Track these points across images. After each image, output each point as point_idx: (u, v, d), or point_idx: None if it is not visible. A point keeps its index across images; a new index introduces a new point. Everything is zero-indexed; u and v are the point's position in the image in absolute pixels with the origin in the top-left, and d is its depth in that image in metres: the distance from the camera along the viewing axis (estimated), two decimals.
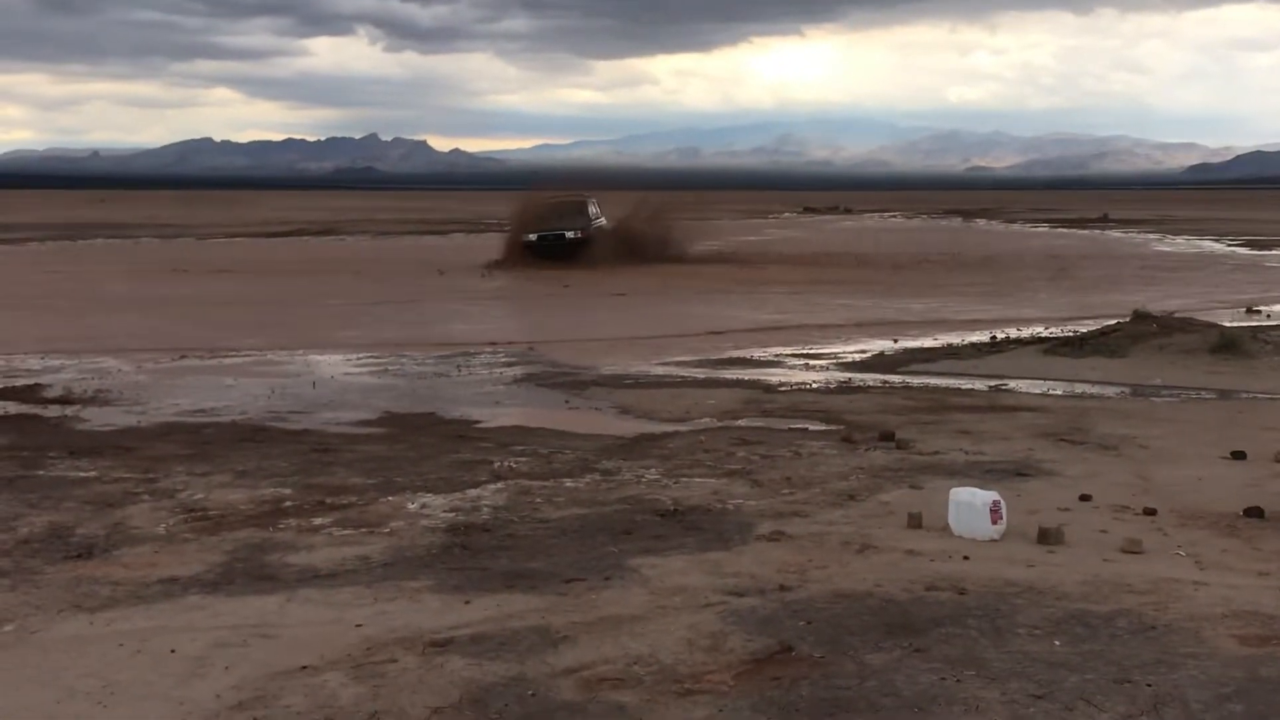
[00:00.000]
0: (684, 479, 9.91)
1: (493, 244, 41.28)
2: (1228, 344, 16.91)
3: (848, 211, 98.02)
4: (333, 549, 7.96)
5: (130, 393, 14.73)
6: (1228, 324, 19.25)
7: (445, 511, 8.91)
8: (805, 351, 18.93)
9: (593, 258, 34.85)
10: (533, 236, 35.96)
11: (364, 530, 8.43)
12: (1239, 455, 10.70)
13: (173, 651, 6.09)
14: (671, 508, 8.91)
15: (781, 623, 6.37)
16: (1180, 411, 13.43)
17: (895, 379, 15.86)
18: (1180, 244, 52.96)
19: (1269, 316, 22.92)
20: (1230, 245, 51.15)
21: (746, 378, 15.97)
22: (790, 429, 12.28)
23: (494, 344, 19.30)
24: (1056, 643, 6.08)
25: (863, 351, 18.79)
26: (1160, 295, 27.16)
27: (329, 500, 9.25)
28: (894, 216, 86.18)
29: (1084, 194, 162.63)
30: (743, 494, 9.38)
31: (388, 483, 9.82)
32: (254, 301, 26.55)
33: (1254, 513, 8.69)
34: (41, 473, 10.23)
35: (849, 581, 7.08)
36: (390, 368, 16.85)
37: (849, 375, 16.25)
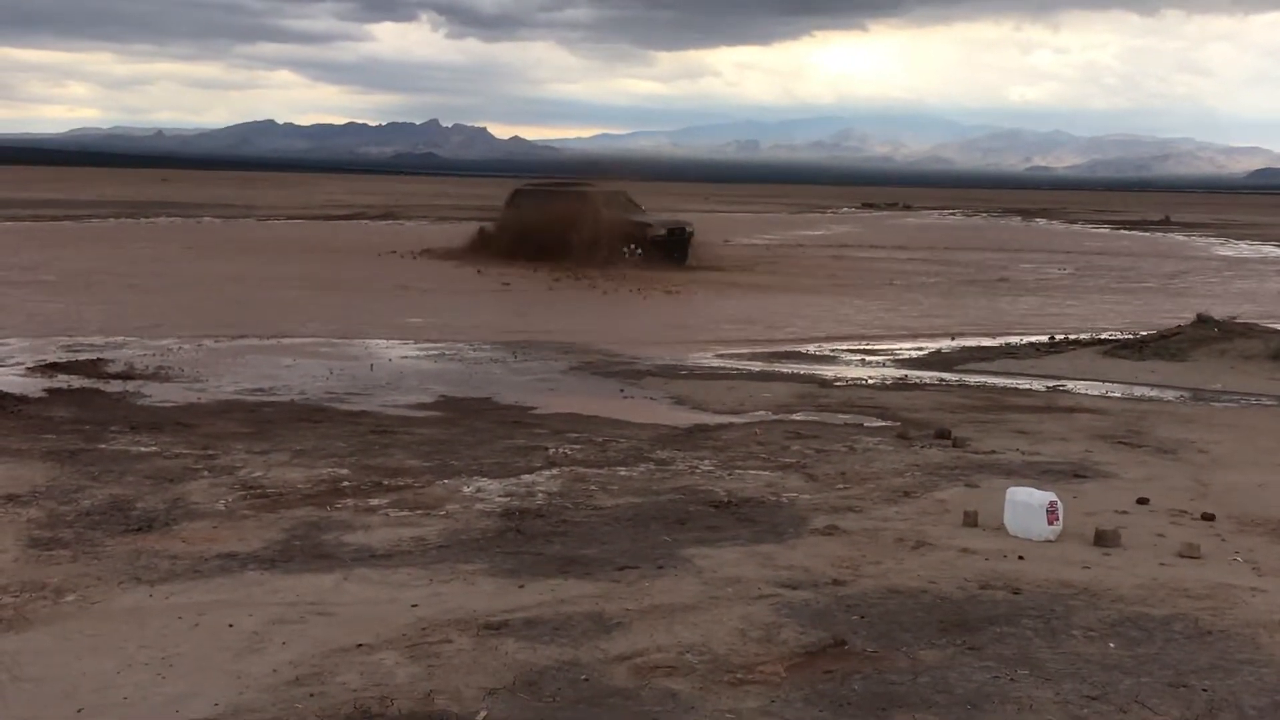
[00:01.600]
0: (738, 471, 9.92)
1: None
2: None
3: (907, 208, 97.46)
4: (389, 530, 8.03)
5: (191, 370, 14.89)
6: None
7: (500, 496, 8.97)
8: (862, 347, 18.88)
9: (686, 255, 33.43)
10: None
11: (420, 512, 8.50)
12: None
13: (230, 626, 6.17)
14: (725, 499, 8.93)
15: (834, 617, 6.37)
16: (1240, 417, 13.30)
17: (951, 377, 15.79)
18: (1243, 249, 52.30)
19: None
20: None
21: (802, 372, 15.96)
22: (845, 424, 12.26)
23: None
24: (1111, 645, 6.05)
25: (920, 349, 18.71)
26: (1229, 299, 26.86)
27: (386, 481, 9.32)
28: (953, 214, 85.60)
29: (1145, 196, 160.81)
30: (797, 487, 9.38)
31: (444, 466, 9.89)
32: (313, 284, 26.72)
33: None
34: (103, 446, 10.37)
35: (903, 578, 7.07)
36: (447, 353, 16.94)
37: (905, 372, 16.19)
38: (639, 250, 32.17)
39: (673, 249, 33.10)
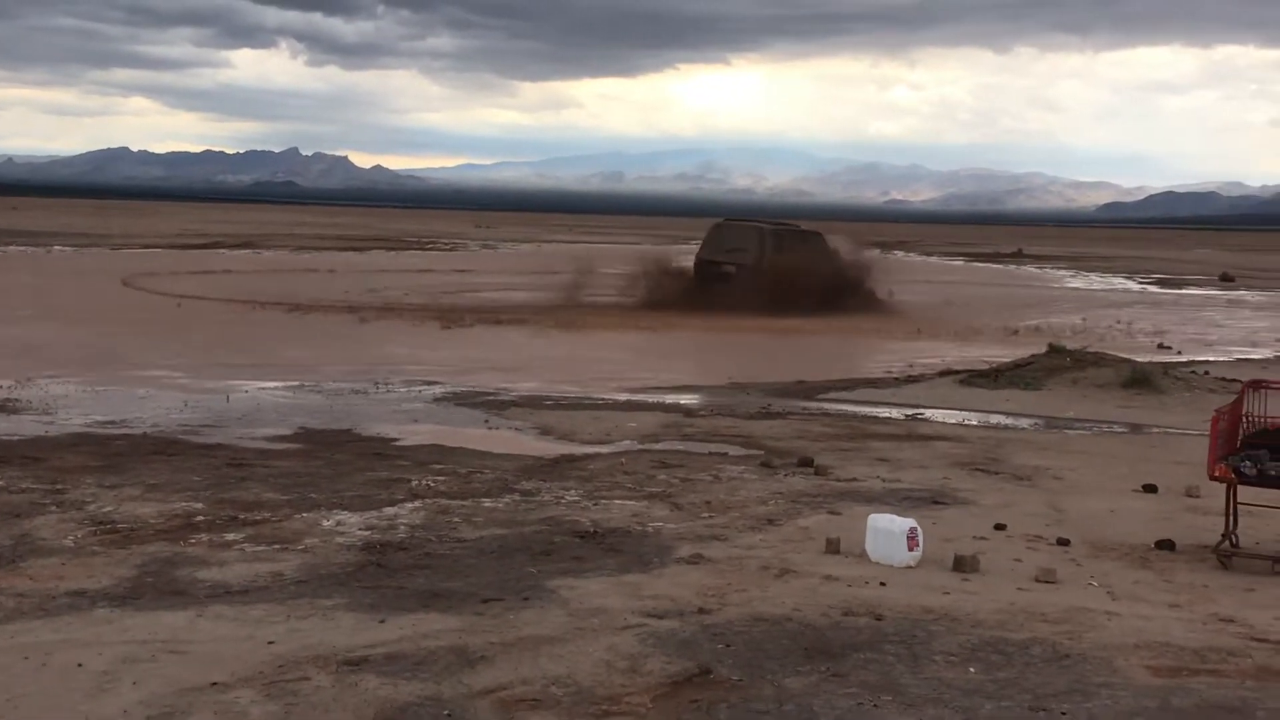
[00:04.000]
0: (604, 501, 9.88)
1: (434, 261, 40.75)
2: (1139, 379, 17.19)
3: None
4: (245, 565, 7.83)
5: (39, 402, 14.43)
6: (1140, 360, 19.54)
7: (361, 529, 8.81)
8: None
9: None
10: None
11: (277, 546, 8.31)
12: (1150, 488, 10.86)
13: (80, 666, 5.94)
14: (591, 529, 8.88)
15: (700, 645, 6.35)
16: (1093, 444, 13.62)
17: (814, 406, 15.95)
18: (1094, 280, 53.82)
19: (1180, 352, 23.33)
20: (1141, 283, 52.03)
21: (667, 401, 15.99)
22: (710, 453, 12.30)
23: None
24: (972, 670, 6.11)
25: (784, 378, 18.86)
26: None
27: (242, 516, 9.11)
28: None
29: (1000, 229, 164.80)
30: (663, 517, 9.37)
31: (302, 499, 9.70)
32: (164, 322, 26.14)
33: (1165, 545, 8.82)
34: None
35: (767, 605, 7.08)
36: (306, 384, 16.65)
37: (769, 400, 16.31)
38: None
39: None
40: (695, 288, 31.10)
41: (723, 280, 30.70)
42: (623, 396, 16.27)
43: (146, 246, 54.75)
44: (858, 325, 28.11)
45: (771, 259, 30.51)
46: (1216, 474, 8.52)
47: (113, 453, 11.51)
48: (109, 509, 9.20)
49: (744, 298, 29.16)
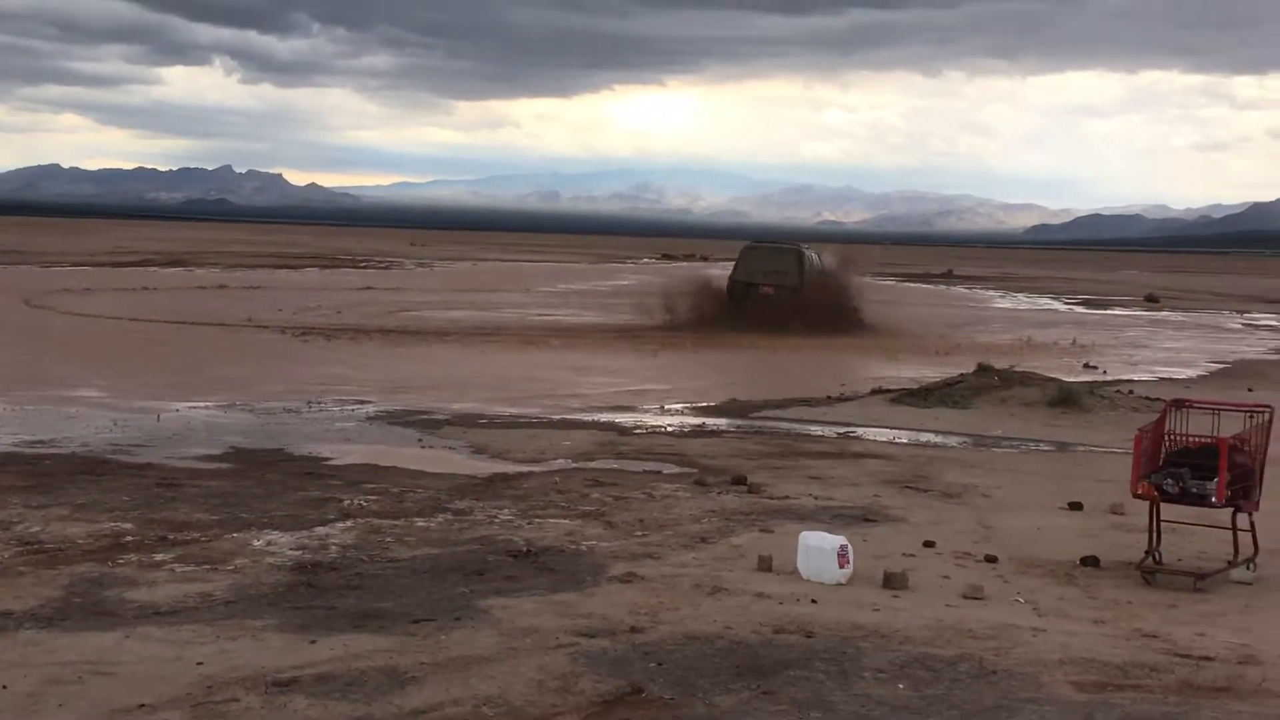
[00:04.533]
0: (537, 520, 9.89)
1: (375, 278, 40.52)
2: (1066, 398, 17.42)
3: (705, 259, 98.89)
4: (174, 585, 7.77)
5: None
6: (1066, 379, 19.79)
7: (292, 549, 8.76)
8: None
9: None
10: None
11: (207, 567, 8.25)
12: (1076, 506, 11.02)
13: (4, 688, 5.87)
14: (524, 548, 8.88)
15: (632, 664, 6.38)
16: (1020, 462, 13.79)
17: (748, 424, 16.03)
18: (1020, 300, 54.43)
19: (1105, 372, 23.65)
20: (1068, 304, 52.67)
21: (602, 420, 16.01)
22: (644, 471, 12.34)
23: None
24: (901, 686, 6.18)
25: (718, 396, 18.92)
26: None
27: (171, 536, 9.03)
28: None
29: (930, 250, 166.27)
30: (596, 535, 9.39)
31: (232, 519, 9.63)
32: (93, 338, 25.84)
33: (1090, 562, 8.96)
34: None
35: (700, 624, 7.12)
36: (238, 403, 16.52)
37: (703, 419, 16.37)
38: None
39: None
40: (730, 309, 31.61)
41: (760, 300, 31.36)
42: (558, 415, 16.26)
43: (77, 264, 54.07)
44: (878, 344, 28.43)
45: (810, 279, 31.77)
46: (1140, 491, 8.68)
47: (40, 472, 11.37)
48: (36, 529, 9.09)
49: (783, 317, 29.94)
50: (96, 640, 6.65)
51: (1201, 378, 23.70)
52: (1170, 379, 23.28)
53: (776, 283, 31.57)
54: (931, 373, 21.48)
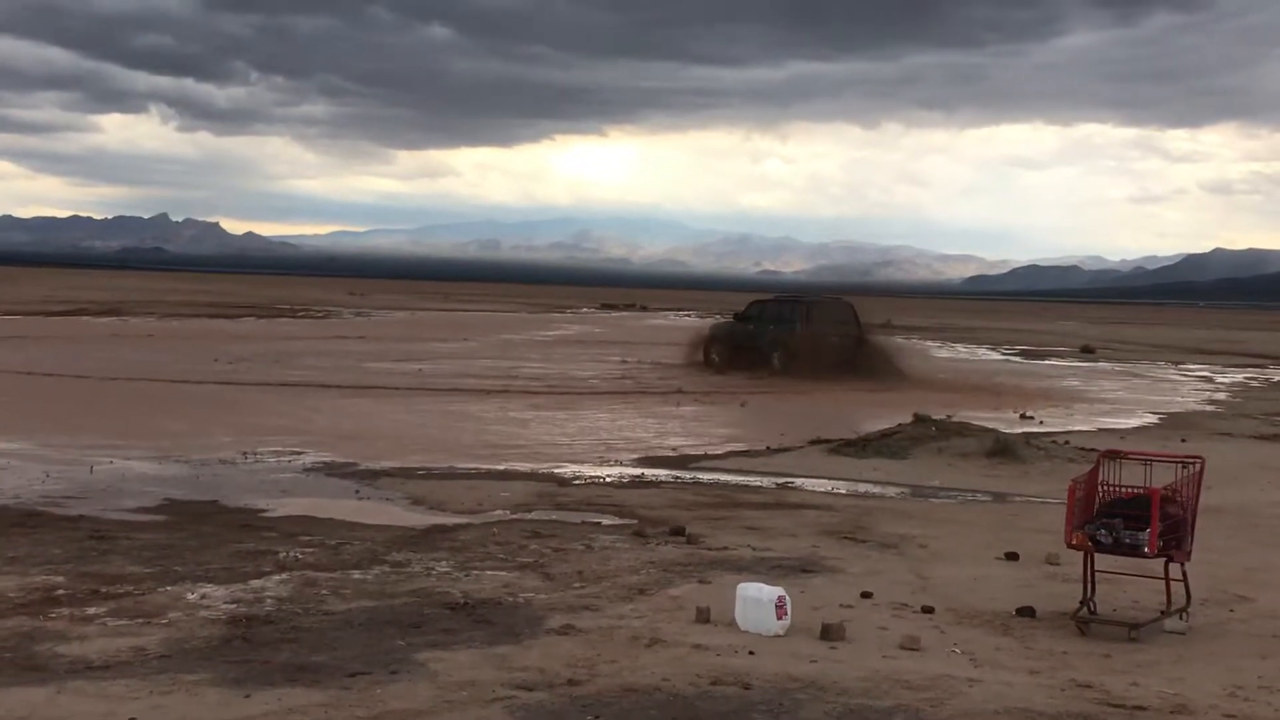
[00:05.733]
0: (475, 571, 9.85)
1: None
2: (1002, 449, 17.58)
3: (644, 309, 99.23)
4: (107, 640, 7.67)
5: None
6: (1003, 429, 19.97)
7: (226, 602, 8.68)
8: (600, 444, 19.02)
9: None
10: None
11: (140, 620, 8.15)
12: (1012, 556, 11.11)
13: None
14: (462, 601, 8.84)
15: (570, 717, 6.37)
16: (958, 513, 13.89)
17: (686, 475, 16.05)
18: (959, 351, 54.92)
19: (1042, 423, 23.88)
20: (1005, 354, 53.18)
21: (541, 470, 15.97)
22: (583, 522, 12.33)
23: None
24: None
25: (656, 447, 18.94)
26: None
27: (104, 589, 8.92)
28: (689, 314, 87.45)
29: (868, 300, 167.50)
30: (534, 587, 9.36)
31: (166, 572, 9.53)
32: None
33: (1026, 612, 9.03)
34: None
35: (637, 676, 7.12)
36: (172, 455, 16.34)
37: (641, 470, 16.38)
38: None
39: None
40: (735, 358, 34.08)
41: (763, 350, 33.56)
42: (499, 466, 16.21)
43: (7, 314, 53.41)
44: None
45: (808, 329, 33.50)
46: (1074, 542, 8.77)
47: None
48: None
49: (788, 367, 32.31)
50: (27, 695, 6.56)
51: (1137, 429, 23.97)
52: (1106, 429, 23.53)
53: (841, 334, 33.69)
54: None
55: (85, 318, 53.25)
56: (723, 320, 41.86)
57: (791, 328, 33.63)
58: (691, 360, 35.87)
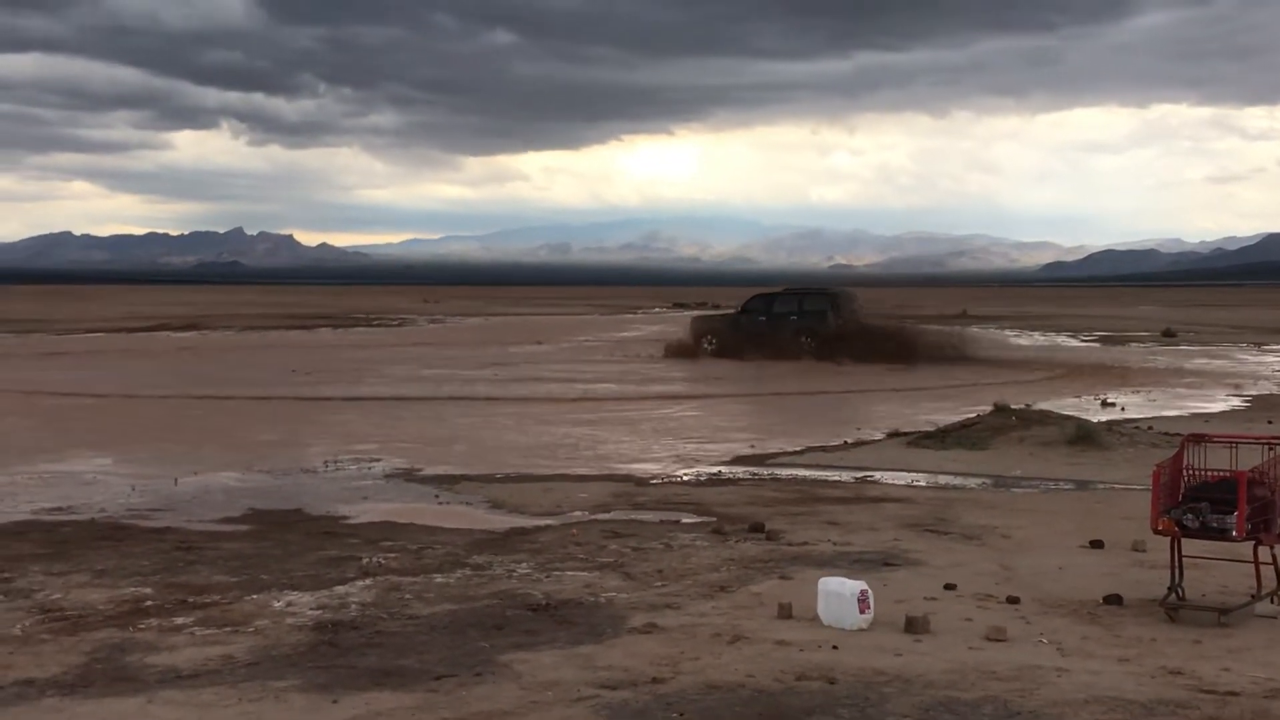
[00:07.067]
0: (556, 572, 9.89)
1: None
2: (1084, 436, 17.38)
3: (716, 308, 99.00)
4: (195, 649, 7.78)
5: None
6: (1084, 417, 19.75)
7: (312, 609, 8.77)
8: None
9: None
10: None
11: (228, 629, 8.26)
12: (1097, 544, 10.98)
13: None
14: (543, 602, 8.88)
15: (654, 715, 6.36)
16: (1040, 502, 13.75)
17: (764, 471, 16.01)
18: (1037, 339, 54.32)
19: (1124, 409, 23.60)
20: (1084, 340, 52.53)
21: (618, 470, 16.00)
22: (661, 521, 12.33)
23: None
24: None
25: (730, 442, 18.90)
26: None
27: (191, 599, 9.04)
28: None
29: (943, 291, 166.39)
30: (615, 587, 9.38)
31: (252, 580, 9.64)
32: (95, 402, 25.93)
33: (1113, 600, 8.92)
34: None
35: (721, 673, 7.10)
36: (255, 465, 16.54)
37: (718, 468, 16.36)
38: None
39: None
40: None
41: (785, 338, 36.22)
42: (576, 470, 16.25)
43: (90, 330, 54.38)
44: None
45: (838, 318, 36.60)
46: (1159, 528, 8.64)
47: (60, 539, 11.40)
48: (57, 596, 9.12)
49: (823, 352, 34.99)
50: (119, 706, 6.66)
51: (1222, 412, 23.60)
52: (1190, 414, 23.20)
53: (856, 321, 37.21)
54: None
55: (166, 332, 54.07)
56: (709, 314, 44.88)
57: (822, 318, 36.47)
58: (679, 354, 37.92)
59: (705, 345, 37.88)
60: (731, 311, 40.11)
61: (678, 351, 38.18)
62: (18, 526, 12.12)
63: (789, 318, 36.94)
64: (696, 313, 44.65)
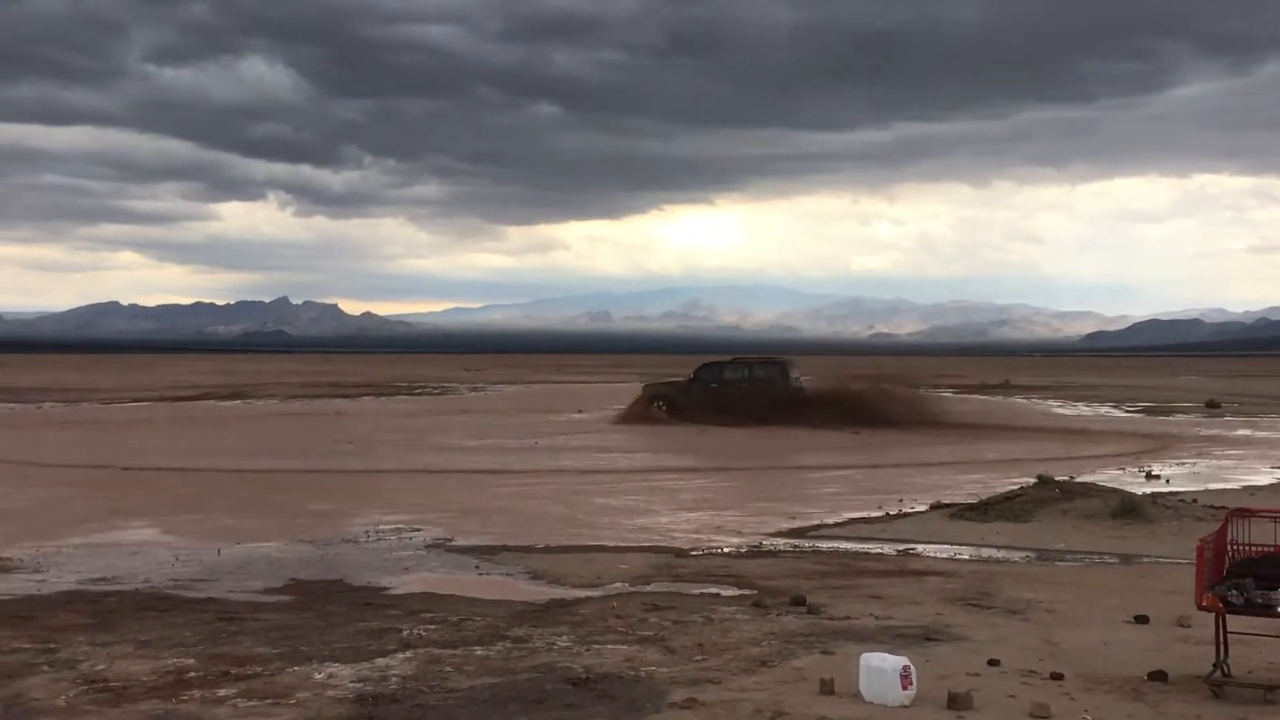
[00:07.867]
0: (596, 646, 9.87)
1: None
2: (1129, 509, 17.24)
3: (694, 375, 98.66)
4: None
5: (30, 560, 14.40)
6: (1129, 490, 19.59)
7: (353, 681, 8.79)
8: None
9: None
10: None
11: (270, 701, 8.29)
12: (1142, 619, 10.87)
13: None
14: (584, 676, 8.86)
15: None
16: (1084, 575, 13.63)
17: (805, 543, 15.95)
18: (1081, 409, 53.93)
19: (1168, 482, 23.39)
20: (1128, 411, 52.13)
21: (659, 542, 15.97)
22: (702, 594, 12.30)
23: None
24: None
25: (770, 512, 18.84)
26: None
27: (234, 670, 9.08)
28: (806, 377, 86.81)
29: (985, 360, 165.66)
30: (655, 660, 9.36)
31: (294, 652, 9.68)
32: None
33: (1158, 676, 8.83)
34: None
35: None
36: (298, 535, 16.62)
37: (759, 539, 16.31)
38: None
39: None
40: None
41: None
42: (616, 541, 16.24)
43: (135, 400, 54.85)
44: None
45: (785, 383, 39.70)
46: (1204, 603, 8.57)
47: (104, 610, 11.49)
48: (101, 667, 9.18)
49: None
50: None
51: (1269, 485, 23.34)
52: (1236, 487, 22.96)
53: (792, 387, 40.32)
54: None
55: (210, 401, 54.46)
56: (661, 382, 45.96)
57: (770, 384, 39.45)
58: (633, 419, 39.45)
59: (656, 408, 39.74)
60: (681, 380, 42.36)
61: (631, 418, 39.53)
62: (64, 597, 12.22)
63: (739, 384, 39.42)
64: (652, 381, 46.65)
